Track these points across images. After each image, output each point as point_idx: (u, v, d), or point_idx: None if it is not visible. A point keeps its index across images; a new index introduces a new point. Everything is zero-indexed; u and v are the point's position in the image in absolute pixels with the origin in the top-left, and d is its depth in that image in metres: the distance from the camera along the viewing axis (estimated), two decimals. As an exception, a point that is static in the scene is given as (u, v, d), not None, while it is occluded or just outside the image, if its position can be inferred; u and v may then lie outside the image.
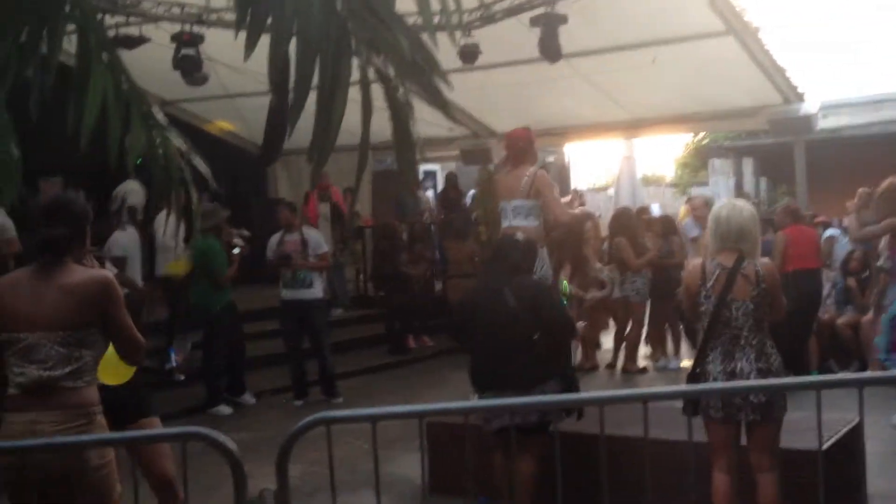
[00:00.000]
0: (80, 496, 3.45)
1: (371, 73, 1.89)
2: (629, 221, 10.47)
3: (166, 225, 8.72)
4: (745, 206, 4.73)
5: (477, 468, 4.54)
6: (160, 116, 2.13)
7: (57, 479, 3.35)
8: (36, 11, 2.02)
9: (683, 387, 4.51)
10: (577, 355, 9.82)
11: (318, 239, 9.57)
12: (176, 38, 10.14)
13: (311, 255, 9.23)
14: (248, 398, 9.29)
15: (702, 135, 24.43)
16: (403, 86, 1.89)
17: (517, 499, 4.76)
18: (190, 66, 10.22)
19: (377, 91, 1.99)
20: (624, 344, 10.51)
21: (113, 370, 4.07)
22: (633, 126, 13.45)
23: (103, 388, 3.95)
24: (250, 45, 1.81)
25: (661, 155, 31.88)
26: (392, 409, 3.60)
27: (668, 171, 33.51)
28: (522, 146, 6.84)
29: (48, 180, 13.10)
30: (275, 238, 9.40)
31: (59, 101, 2.14)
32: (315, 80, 1.87)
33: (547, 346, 5.07)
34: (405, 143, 1.93)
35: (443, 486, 5.66)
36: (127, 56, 1.91)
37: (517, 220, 6.61)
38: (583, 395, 4.90)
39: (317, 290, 9.31)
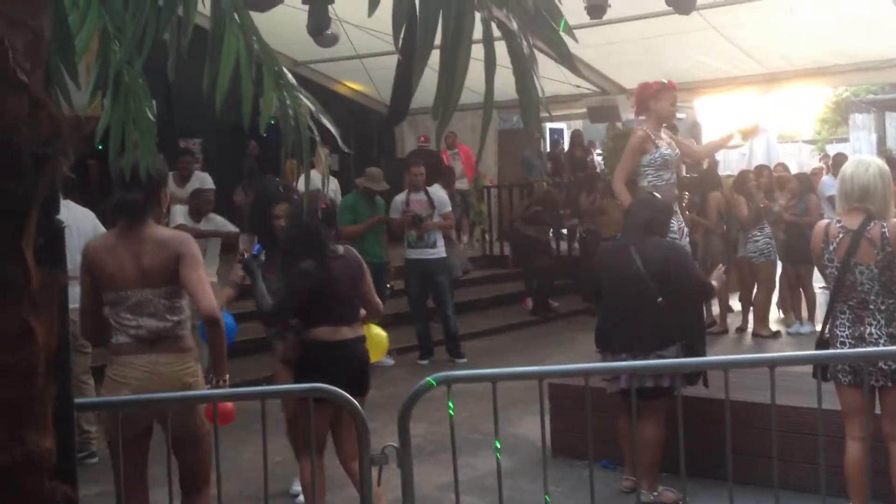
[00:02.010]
0: (191, 435, 3.77)
1: (494, 28, 1.86)
2: (745, 183, 10.13)
3: (325, 188, 8.84)
4: (872, 163, 4.43)
5: (599, 432, 4.51)
6: (290, 76, 2.17)
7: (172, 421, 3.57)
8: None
9: (810, 352, 4.34)
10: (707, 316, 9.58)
11: (444, 198, 9.58)
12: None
13: (436, 214, 9.29)
14: (387, 359, 8.54)
15: (842, 88, 23.34)
16: (526, 39, 1.86)
17: (640, 463, 4.70)
18: (320, 26, 10.32)
19: (503, 48, 1.97)
20: (752, 307, 10.22)
21: (374, 348, 4.54)
22: (768, 80, 12.89)
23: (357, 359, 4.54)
24: (374, 1, 1.82)
25: (797, 111, 30.49)
26: (511, 370, 3.61)
27: (805, 128, 32.14)
28: (638, 101, 6.69)
29: (188, 141, 13.65)
30: (400, 198, 9.44)
31: (198, 63, 2.22)
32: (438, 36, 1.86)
33: (671, 311, 4.97)
34: (529, 97, 1.91)
35: (564, 448, 5.67)
36: (260, 17, 1.97)
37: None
38: (707, 359, 4.78)
39: (441, 250, 9.35)
